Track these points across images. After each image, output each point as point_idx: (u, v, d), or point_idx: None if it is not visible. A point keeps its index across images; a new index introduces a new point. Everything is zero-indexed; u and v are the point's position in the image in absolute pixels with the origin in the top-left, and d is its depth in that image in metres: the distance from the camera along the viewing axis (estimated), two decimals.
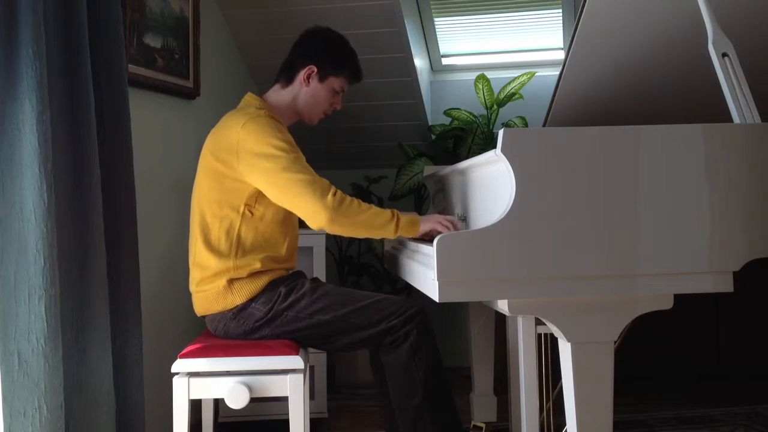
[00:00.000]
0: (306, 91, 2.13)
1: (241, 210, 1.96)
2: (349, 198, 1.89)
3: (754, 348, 3.17)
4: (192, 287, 2.03)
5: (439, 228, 1.89)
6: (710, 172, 1.48)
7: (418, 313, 1.89)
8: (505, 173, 1.48)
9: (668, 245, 1.45)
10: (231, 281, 1.95)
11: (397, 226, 1.90)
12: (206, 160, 2.02)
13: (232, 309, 1.95)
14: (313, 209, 1.85)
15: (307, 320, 1.93)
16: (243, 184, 1.94)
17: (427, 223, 1.91)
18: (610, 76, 2.07)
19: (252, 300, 1.94)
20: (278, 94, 2.16)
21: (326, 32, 2.19)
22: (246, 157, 1.91)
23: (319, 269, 2.77)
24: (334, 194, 1.86)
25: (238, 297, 1.94)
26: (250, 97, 2.14)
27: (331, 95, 2.16)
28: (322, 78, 2.13)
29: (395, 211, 1.92)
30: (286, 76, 2.15)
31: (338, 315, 1.91)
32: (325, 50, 2.14)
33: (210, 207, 1.98)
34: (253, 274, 1.95)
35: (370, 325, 1.90)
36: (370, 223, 1.88)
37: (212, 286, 1.96)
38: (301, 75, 2.12)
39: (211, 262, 1.96)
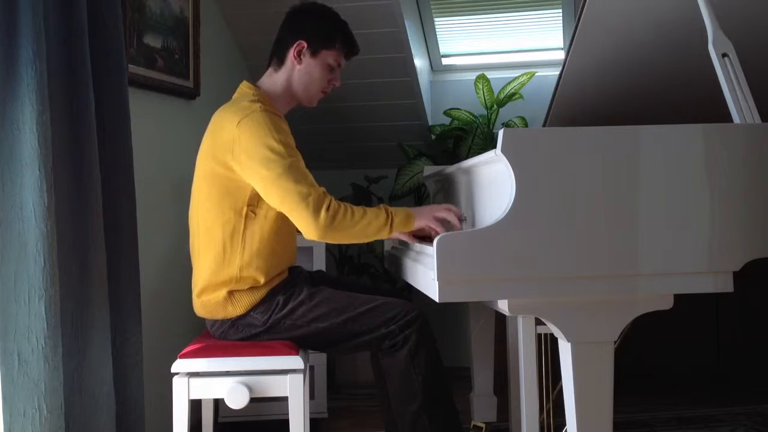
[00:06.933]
0: (299, 69, 2.03)
1: (244, 211, 1.91)
2: (342, 209, 1.84)
3: (754, 348, 3.17)
4: (193, 294, 2.00)
5: (433, 225, 1.87)
6: (710, 172, 1.47)
7: (417, 318, 1.88)
8: (505, 173, 1.48)
9: (668, 245, 1.45)
10: (231, 292, 1.92)
11: (391, 227, 1.87)
12: (203, 164, 1.97)
13: (231, 318, 1.94)
14: (306, 225, 1.83)
15: (305, 327, 1.92)
16: (242, 183, 1.89)
17: (422, 220, 1.89)
18: (610, 76, 2.07)
19: (251, 310, 1.93)
20: (272, 78, 2.06)
21: (313, 6, 2.09)
22: (242, 158, 1.85)
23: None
24: (328, 209, 1.81)
25: (238, 308, 1.93)
26: (245, 86, 2.05)
27: (327, 71, 2.05)
28: (314, 53, 2.03)
29: (389, 210, 1.88)
30: (278, 58, 2.06)
31: (336, 322, 1.90)
32: (314, 23, 2.04)
33: (211, 212, 1.93)
34: (254, 287, 1.94)
35: (368, 331, 1.89)
36: (363, 232, 1.86)
37: (212, 297, 1.94)
38: (292, 53, 2.02)
39: (214, 273, 1.93)
